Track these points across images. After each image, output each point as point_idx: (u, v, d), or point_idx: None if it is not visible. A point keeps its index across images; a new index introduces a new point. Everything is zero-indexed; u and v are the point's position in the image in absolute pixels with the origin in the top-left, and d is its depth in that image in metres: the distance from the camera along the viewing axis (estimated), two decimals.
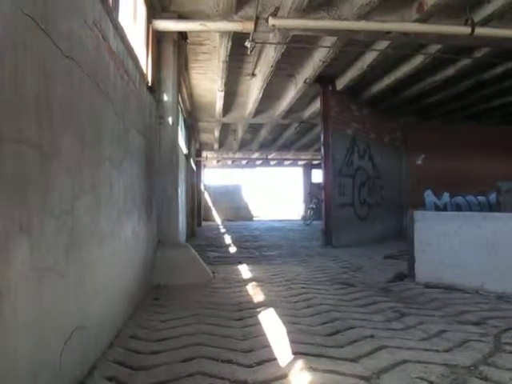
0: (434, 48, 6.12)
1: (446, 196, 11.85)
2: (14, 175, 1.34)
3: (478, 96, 9.22)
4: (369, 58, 6.53)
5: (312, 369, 2.07)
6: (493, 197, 11.16)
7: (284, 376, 2.00)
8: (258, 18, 4.46)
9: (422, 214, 4.52)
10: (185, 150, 9.49)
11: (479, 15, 4.80)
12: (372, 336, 2.58)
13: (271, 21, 4.33)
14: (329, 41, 5.66)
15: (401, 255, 6.00)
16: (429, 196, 11.67)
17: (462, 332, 2.67)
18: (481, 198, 11.88)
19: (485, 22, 4.76)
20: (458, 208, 11.89)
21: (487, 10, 4.68)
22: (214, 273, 4.87)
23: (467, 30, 4.48)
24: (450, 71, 7.24)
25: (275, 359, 2.22)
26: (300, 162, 21.91)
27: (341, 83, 7.95)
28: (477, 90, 8.68)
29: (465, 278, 3.94)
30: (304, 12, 4.55)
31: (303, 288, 4.11)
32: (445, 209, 11.71)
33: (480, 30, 4.53)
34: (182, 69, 6.23)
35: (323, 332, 2.68)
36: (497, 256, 3.77)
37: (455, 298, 3.66)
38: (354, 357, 2.23)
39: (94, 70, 2.19)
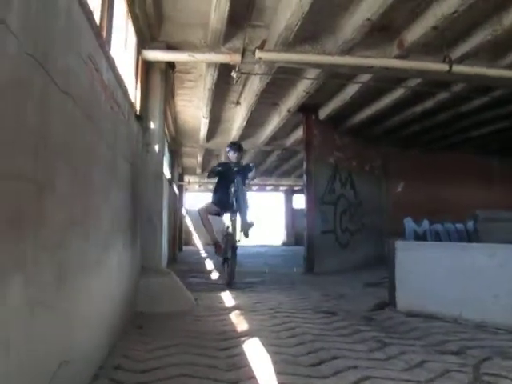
0: (413, 82, 6.36)
1: (425, 223, 12.05)
2: (10, 210, 1.36)
3: (457, 127, 9.54)
4: (351, 89, 6.73)
5: None
6: (470, 224, 11.42)
7: None
8: (245, 50, 4.60)
9: (402, 244, 4.62)
10: (168, 175, 9.52)
11: (457, 53, 5.02)
12: (355, 367, 2.62)
13: (258, 53, 4.47)
14: (313, 73, 5.84)
15: (381, 283, 6.08)
16: (408, 223, 11.86)
17: (443, 362, 2.73)
18: (459, 226, 12.12)
19: (461, 60, 4.98)
20: (437, 235, 12.10)
21: (463, 49, 4.91)
22: (196, 300, 4.86)
23: (445, 67, 4.69)
24: (430, 103, 7.50)
25: None
26: (281, 188, 22.07)
27: (324, 113, 8.14)
28: (455, 121, 8.98)
29: (444, 307, 4.02)
30: (290, 45, 4.70)
31: (287, 317, 4.14)
32: (424, 236, 11.90)
33: (457, 68, 4.75)
34: (169, 96, 6.32)
35: (308, 362, 2.70)
36: (474, 285, 3.86)
37: (435, 326, 3.73)
38: None
39: (87, 104, 2.24)
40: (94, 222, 2.41)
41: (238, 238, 6.39)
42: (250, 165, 6.77)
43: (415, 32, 4.64)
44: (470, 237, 11.42)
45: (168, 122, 8.06)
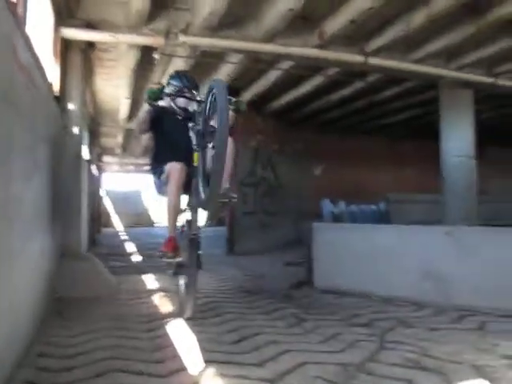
0: (332, 70, 6.63)
1: (341, 205, 12.64)
2: None
3: (372, 114, 10.10)
4: (273, 75, 6.87)
5: (222, 375, 2.22)
6: (382, 206, 12.20)
7: None
8: (168, 32, 4.57)
9: (318, 225, 4.90)
10: (87, 156, 9.18)
11: (372, 46, 5.33)
12: (275, 342, 2.80)
13: (181, 37, 4.47)
14: (236, 57, 5.90)
15: (301, 262, 6.38)
16: (326, 205, 12.40)
17: (353, 334, 2.99)
18: (373, 207, 12.88)
19: (376, 53, 5.30)
20: (353, 216, 12.77)
21: (378, 43, 5.21)
22: (119, 284, 4.83)
23: (361, 58, 4.99)
24: (347, 91, 7.87)
25: (186, 369, 2.33)
26: None
27: (246, 96, 8.24)
28: (370, 108, 9.49)
29: (357, 284, 4.34)
30: (214, 30, 4.73)
31: (210, 297, 4.26)
32: (341, 217, 12.52)
33: (372, 60, 5.06)
34: (88, 76, 6.10)
35: (230, 340, 2.84)
36: (383, 264, 4.21)
37: (348, 302, 4.04)
38: (259, 362, 2.42)
39: (2, 85, 2.16)
40: (14, 209, 2.35)
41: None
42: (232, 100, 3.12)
43: (335, 24, 4.86)
44: (382, 218, 12.20)
45: (87, 102, 7.76)
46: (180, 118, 3.23)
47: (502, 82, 6.77)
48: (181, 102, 3.23)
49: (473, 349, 2.62)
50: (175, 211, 3.25)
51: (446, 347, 2.65)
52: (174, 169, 3.15)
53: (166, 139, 3.40)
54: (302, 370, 2.30)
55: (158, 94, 3.23)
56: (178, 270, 3.50)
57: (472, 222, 6.47)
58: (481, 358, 2.44)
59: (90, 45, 5.03)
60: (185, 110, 3.20)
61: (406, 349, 2.63)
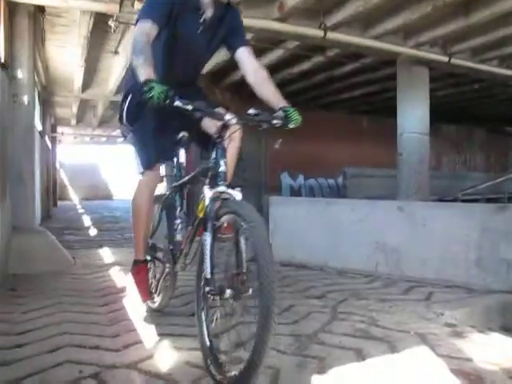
0: (292, 44, 6.61)
1: (300, 178, 12.85)
2: None
3: (331, 89, 10.18)
4: None
5: (176, 348, 2.25)
6: (340, 180, 12.44)
7: (150, 356, 2.15)
8: None
9: (275, 199, 4.96)
10: (39, 127, 8.85)
11: (332, 20, 5.33)
12: (228, 314, 2.84)
13: (137, 4, 4.32)
14: None
15: None
16: (285, 178, 12.55)
17: (307, 305, 3.08)
18: (331, 181, 13.13)
19: (335, 28, 5.31)
20: (311, 189, 13.01)
21: (337, 17, 5.22)
22: (74, 258, 4.76)
23: (320, 33, 4.99)
24: (306, 65, 7.90)
25: (141, 342, 2.35)
26: None
27: (205, 68, 8.12)
28: (329, 83, 9.56)
29: (312, 257, 4.45)
30: None
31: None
32: (299, 190, 12.72)
33: (331, 34, 5.07)
34: (39, 42, 5.82)
35: (186, 313, 2.86)
36: (337, 237, 4.33)
37: (304, 275, 4.14)
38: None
39: None
40: None
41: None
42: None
43: None
44: (340, 191, 12.47)
45: (38, 70, 7.43)
46: None
47: (457, 61, 6.94)
48: None
49: (419, 318, 2.76)
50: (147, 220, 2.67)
51: (394, 317, 2.77)
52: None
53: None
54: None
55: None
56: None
57: (424, 195, 6.72)
58: (425, 327, 2.57)
59: (40, 8, 4.78)
60: None
61: (356, 319, 2.74)
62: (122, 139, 19.31)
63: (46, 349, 2.21)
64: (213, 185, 2.02)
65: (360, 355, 2.16)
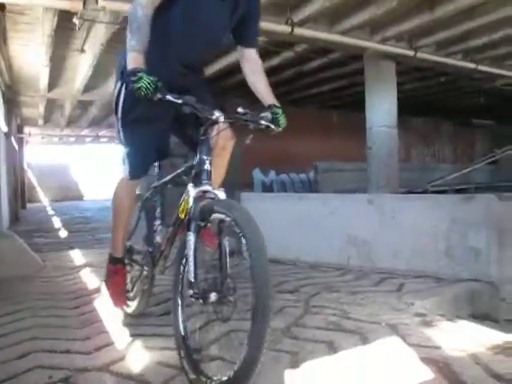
0: (260, 39, 6.59)
1: (272, 174, 12.89)
2: None
3: (300, 84, 10.22)
4: None
5: (148, 348, 2.23)
6: (311, 175, 12.53)
7: (122, 358, 2.12)
8: None
9: (247, 195, 4.96)
10: (4, 128, 8.61)
11: (299, 15, 5.35)
12: (203, 312, 2.83)
13: (101, 2, 4.24)
14: None
15: (232, 232, 6.45)
16: (257, 174, 12.57)
17: (280, 300, 3.09)
18: (302, 176, 13.21)
19: (302, 23, 5.33)
20: (283, 185, 13.05)
21: (304, 13, 5.24)
22: (44, 261, 4.66)
23: (288, 28, 4.99)
24: (275, 61, 7.89)
25: (113, 343, 2.32)
26: None
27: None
28: (298, 79, 9.60)
29: (285, 252, 4.46)
30: None
31: (138, 271, 4.20)
32: (271, 186, 12.75)
33: (298, 30, 5.09)
34: (0, 40, 5.65)
35: (157, 313, 2.85)
36: (310, 231, 4.35)
37: (276, 270, 4.14)
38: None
39: None
40: None
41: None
42: None
43: None
44: (311, 186, 12.56)
45: (1, 69, 7.23)
46: None
47: (422, 55, 7.07)
48: None
49: (390, 309, 2.80)
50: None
51: (365, 309, 2.81)
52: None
53: None
54: (227, 338, 2.36)
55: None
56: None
57: (394, 188, 6.84)
58: (396, 317, 2.62)
59: (1, 7, 4.65)
60: None
61: (328, 312, 2.76)
62: (92, 139, 19.02)
63: (16, 354, 2.16)
64: (197, 183, 1.94)
65: (332, 348, 2.18)
